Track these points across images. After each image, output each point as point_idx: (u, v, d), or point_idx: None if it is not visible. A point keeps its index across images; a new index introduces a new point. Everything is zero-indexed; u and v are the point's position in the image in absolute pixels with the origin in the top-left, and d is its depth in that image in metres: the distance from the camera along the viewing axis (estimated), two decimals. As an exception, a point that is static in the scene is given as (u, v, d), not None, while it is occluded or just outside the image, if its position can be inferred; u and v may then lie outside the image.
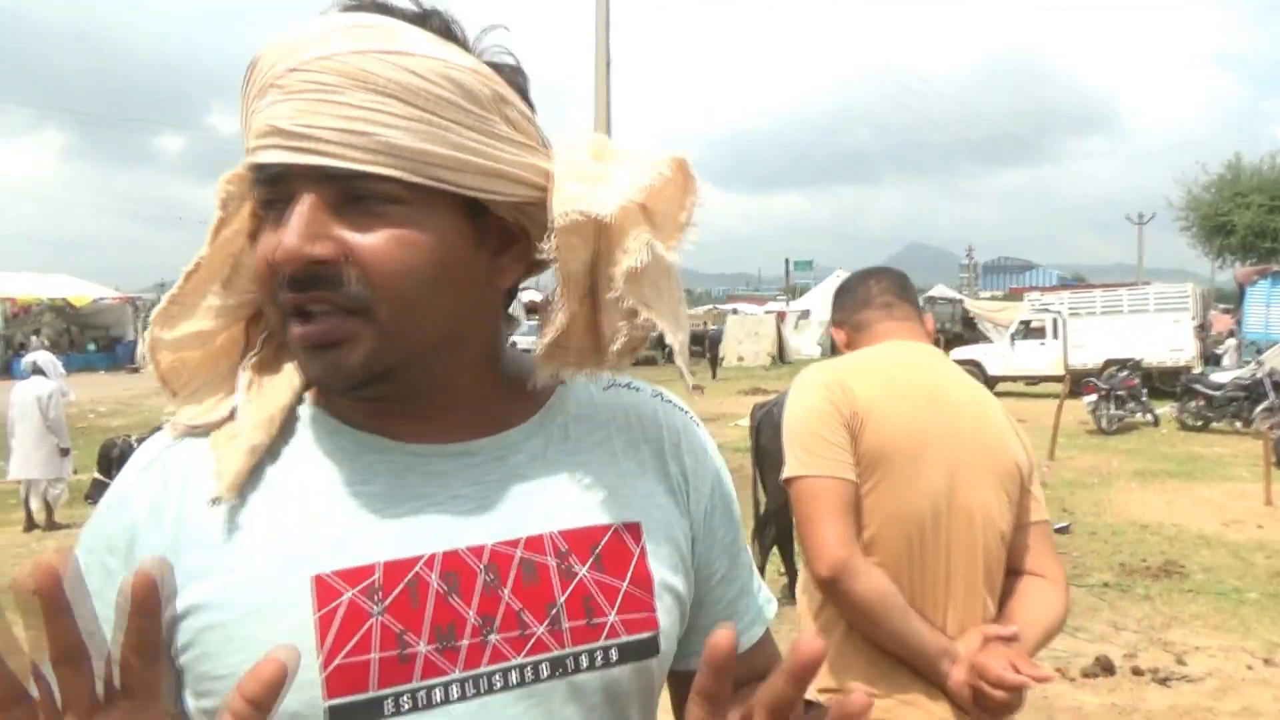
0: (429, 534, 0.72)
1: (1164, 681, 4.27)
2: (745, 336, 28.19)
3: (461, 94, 0.69)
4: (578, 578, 0.74)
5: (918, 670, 1.50)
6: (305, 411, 0.78)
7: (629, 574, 0.76)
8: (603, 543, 0.76)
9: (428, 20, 0.72)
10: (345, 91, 0.66)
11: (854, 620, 1.53)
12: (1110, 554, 6.51)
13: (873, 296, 1.84)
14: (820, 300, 33.14)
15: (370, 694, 0.67)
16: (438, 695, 0.69)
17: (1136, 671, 4.37)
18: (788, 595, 4.54)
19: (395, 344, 0.70)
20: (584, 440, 0.81)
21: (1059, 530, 7.06)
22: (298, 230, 0.67)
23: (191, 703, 0.71)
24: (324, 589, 0.69)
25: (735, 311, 35.35)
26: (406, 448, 0.76)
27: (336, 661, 0.67)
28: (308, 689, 0.66)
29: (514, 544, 0.74)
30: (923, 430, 1.58)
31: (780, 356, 27.52)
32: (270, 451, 0.74)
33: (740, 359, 27.16)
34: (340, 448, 0.75)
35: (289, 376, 0.78)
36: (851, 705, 0.54)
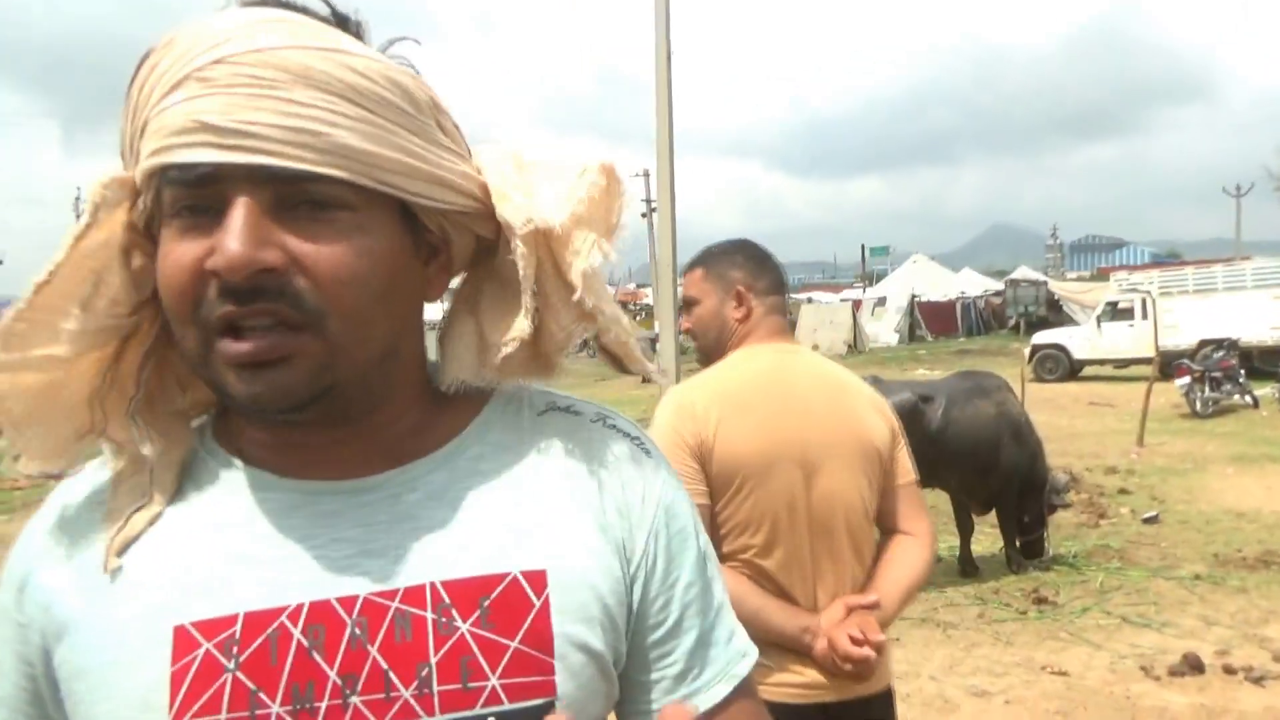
0: (299, 581, 0.66)
1: (1258, 681, 4.02)
2: (820, 325, 27.78)
3: (403, 97, 0.66)
4: (457, 634, 0.66)
5: (787, 647, 1.72)
6: (203, 445, 0.74)
7: (522, 630, 0.67)
8: (494, 594, 0.67)
9: (346, 24, 0.68)
10: (287, 87, 0.62)
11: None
12: (1203, 544, 6.19)
13: (782, 285, 1.94)
14: (898, 286, 32.56)
15: None
16: None
17: (1228, 670, 4.12)
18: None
19: (341, 360, 0.65)
20: (497, 476, 0.73)
21: (1147, 520, 6.76)
22: (242, 235, 0.61)
23: None
24: (182, 640, 0.64)
25: (810, 300, 34.93)
26: (298, 485, 0.70)
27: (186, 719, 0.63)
28: None
29: (391, 594, 0.66)
30: (770, 438, 1.72)
31: (856, 345, 27.06)
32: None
33: (815, 347, 26.80)
34: (229, 486, 0.71)
35: (182, 419, 0.74)
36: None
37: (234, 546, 0.67)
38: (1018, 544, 5.72)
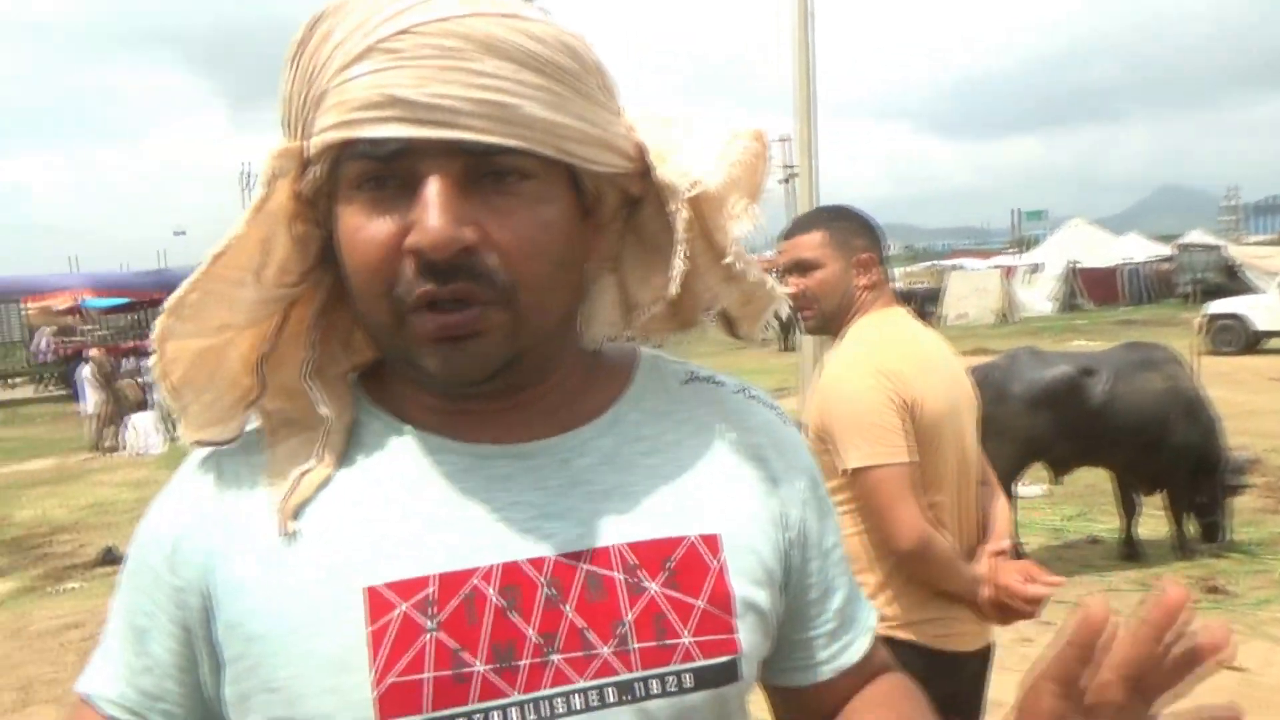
0: (488, 544, 0.67)
1: None
2: (969, 293, 26.62)
3: (574, 61, 0.66)
4: (648, 594, 0.68)
5: (955, 596, 1.84)
6: (363, 409, 0.75)
7: (706, 591, 0.69)
8: (677, 556, 0.69)
9: None
10: (475, 58, 0.61)
11: (930, 574, 1.82)
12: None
13: (883, 249, 1.98)
14: (1055, 252, 30.79)
15: (424, 716, 0.63)
16: (495, 719, 0.64)
17: None
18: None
19: (526, 330, 0.66)
20: (659, 441, 0.75)
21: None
22: (443, 214, 0.61)
23: (236, 716, 0.68)
24: (376, 601, 0.65)
25: (957, 267, 33.52)
26: (467, 448, 0.71)
27: (389, 680, 0.63)
28: (360, 709, 0.63)
29: (578, 556, 0.68)
30: (945, 397, 1.84)
31: (1008, 315, 25.78)
32: None
33: (962, 316, 25.73)
34: (399, 449, 0.72)
35: (344, 381, 0.75)
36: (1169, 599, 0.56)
37: (414, 508, 0.68)
38: (1192, 528, 5.34)
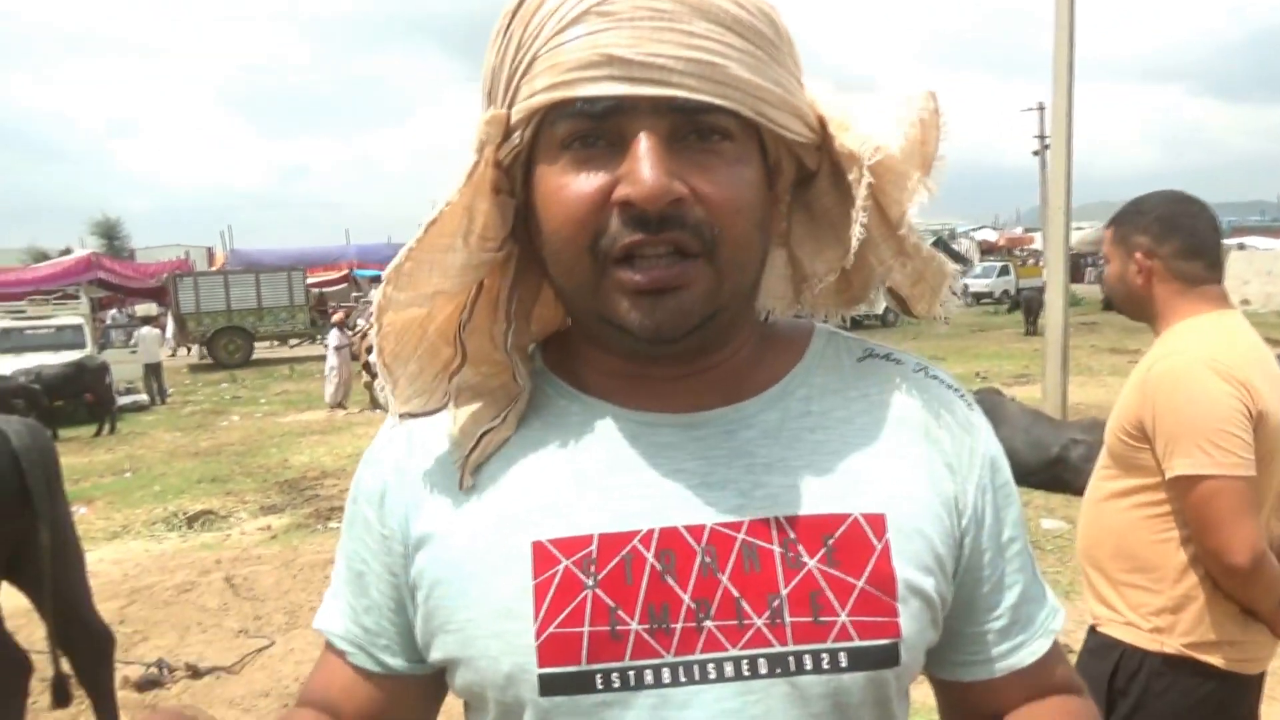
0: (648, 508, 0.69)
1: None
2: (1253, 276, 23.67)
3: (771, 28, 0.67)
4: (805, 569, 0.68)
5: (1257, 617, 1.74)
6: (541, 376, 0.77)
7: (867, 571, 0.68)
8: (838, 533, 0.69)
9: None
10: (686, 19, 0.63)
11: (1252, 594, 1.70)
12: None
13: (1207, 247, 1.82)
14: (1365, 230, 26.59)
15: (581, 667, 0.66)
16: (648, 676, 0.66)
17: None
18: None
19: (726, 287, 0.67)
20: (827, 417, 0.73)
21: None
22: (656, 166, 0.62)
23: (425, 653, 0.74)
24: (541, 555, 0.68)
25: (1242, 246, 29.80)
26: (634, 416, 0.73)
27: (550, 630, 0.66)
28: (522, 654, 0.67)
29: (736, 526, 0.69)
30: (1277, 408, 1.71)
31: (1302, 300, 22.64)
32: None
33: (1245, 302, 22.87)
34: (568, 413, 0.74)
35: (527, 355, 0.78)
36: None
37: (581, 471, 0.71)
38: None
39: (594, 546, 0.68)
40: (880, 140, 0.69)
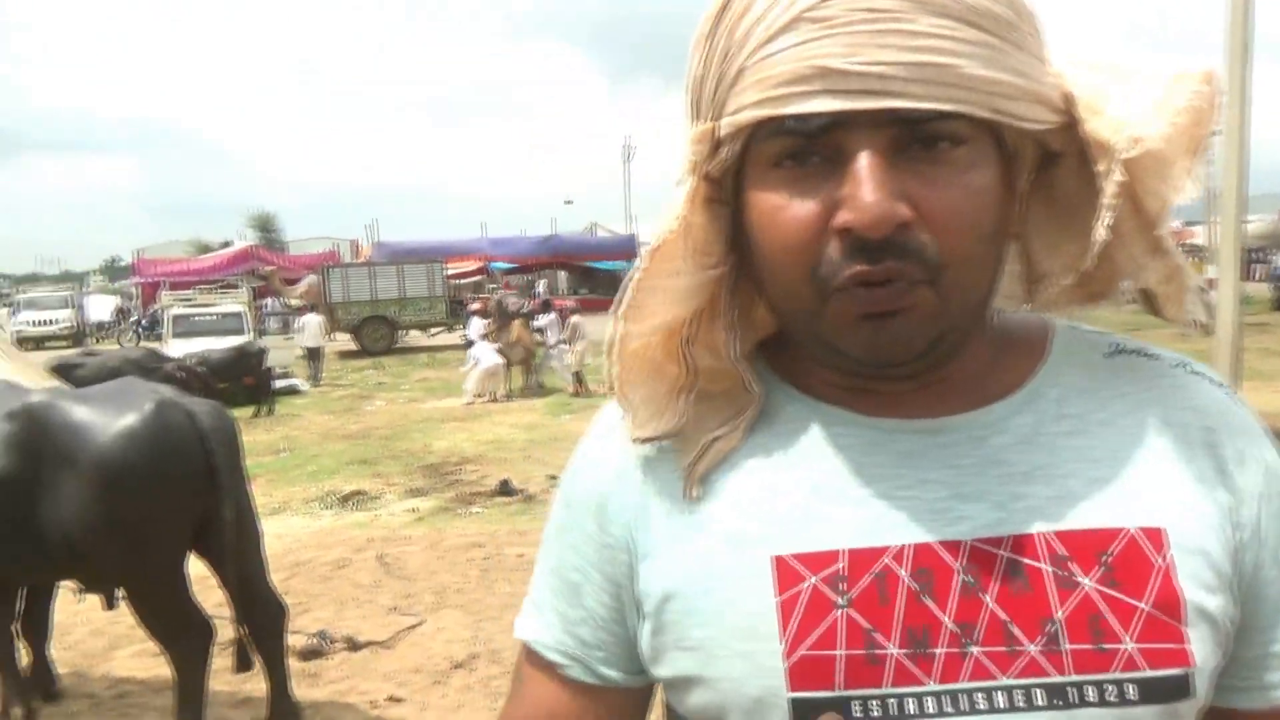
0: (898, 522, 0.64)
1: None
2: None
3: (1011, 9, 0.60)
4: (1081, 590, 0.61)
5: None
6: (767, 382, 0.73)
7: (1150, 592, 0.61)
8: (1115, 550, 0.62)
9: None
10: (910, 17, 0.57)
11: None
12: None
13: None
14: None
15: (836, 693, 0.61)
16: (910, 706, 0.61)
17: None
18: None
19: (951, 310, 0.62)
20: (1085, 420, 0.67)
21: None
22: (878, 189, 0.57)
23: (651, 666, 0.70)
24: (785, 572, 0.64)
25: None
26: (872, 422, 0.68)
27: (800, 652, 0.62)
28: (771, 676, 0.63)
29: (997, 542, 0.63)
30: None
31: None
32: None
33: None
34: (803, 421, 0.70)
35: (751, 361, 0.73)
36: None
37: (819, 481, 0.67)
38: None
39: (843, 563, 0.63)
40: (1139, 129, 0.62)
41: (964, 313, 0.63)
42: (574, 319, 13.55)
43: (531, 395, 13.52)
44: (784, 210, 0.61)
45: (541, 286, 27.73)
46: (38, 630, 3.98)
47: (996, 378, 0.69)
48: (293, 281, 23.85)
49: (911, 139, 0.59)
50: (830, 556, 0.64)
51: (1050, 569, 0.62)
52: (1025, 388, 0.69)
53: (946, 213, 0.59)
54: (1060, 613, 0.61)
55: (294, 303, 22.55)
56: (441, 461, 9.06)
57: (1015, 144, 0.64)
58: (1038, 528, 0.63)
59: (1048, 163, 0.68)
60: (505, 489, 7.60)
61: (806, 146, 0.60)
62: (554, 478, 7.91)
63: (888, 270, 0.59)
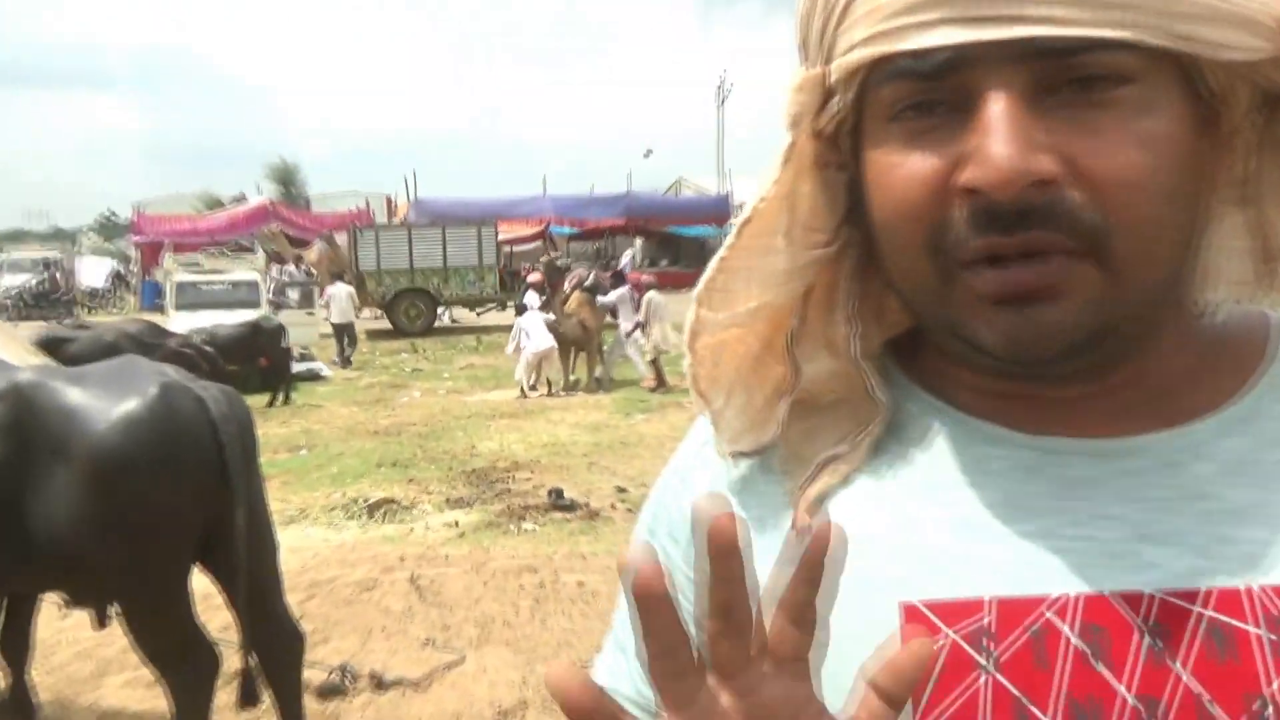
0: (1063, 566, 0.63)
1: None
2: None
3: None
4: None
5: None
6: (897, 387, 0.73)
7: None
8: None
9: None
10: None
11: None
12: None
13: None
14: None
15: None
16: None
17: None
18: None
19: (1123, 292, 0.60)
20: None
21: None
22: (1009, 139, 0.56)
23: None
24: (916, 623, 0.63)
25: None
26: (1033, 441, 0.67)
27: None
28: None
29: (1194, 596, 0.61)
30: None
31: None
32: None
33: None
34: (943, 437, 0.70)
35: (879, 363, 0.73)
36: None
37: (961, 512, 0.66)
38: None
39: (990, 615, 0.62)
40: None
41: (1143, 295, 0.62)
42: (650, 296, 13.59)
43: (598, 389, 13.62)
44: (899, 169, 0.62)
45: (627, 257, 27.67)
46: (16, 649, 4.17)
47: (1200, 388, 0.68)
48: (302, 246, 24.48)
49: (1061, 78, 0.58)
50: (974, 606, 0.63)
51: (1263, 633, 0.60)
52: (1238, 402, 0.67)
53: (1108, 166, 0.58)
54: (1271, 686, 0.59)
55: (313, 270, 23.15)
56: (489, 467, 9.21)
57: (1219, 83, 0.62)
58: (1248, 580, 0.61)
59: (1275, 108, 0.65)
60: (558, 502, 7.70)
61: (928, 91, 0.60)
62: (623, 490, 7.98)
63: (1026, 242, 0.58)
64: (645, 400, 12.60)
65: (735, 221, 0.70)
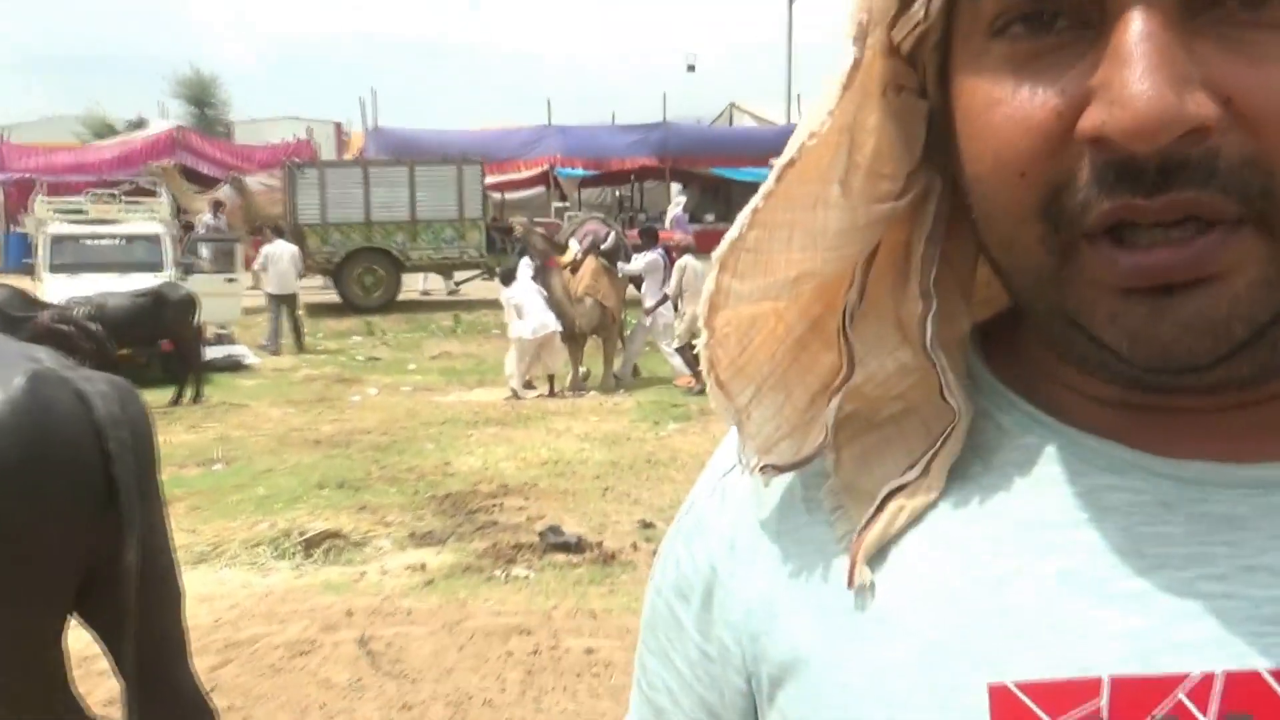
0: (1201, 636, 0.64)
1: None
2: None
3: None
4: None
5: None
6: (985, 391, 0.75)
7: None
8: None
9: None
10: None
11: None
12: None
13: None
14: None
15: None
16: None
17: None
18: None
19: None
20: None
21: None
22: (1154, 70, 0.57)
23: None
24: (1006, 709, 0.65)
25: None
26: (1162, 467, 0.68)
27: None
28: None
29: None
30: None
31: None
32: None
33: None
34: (1043, 461, 0.71)
35: (963, 356, 0.75)
36: None
37: (1071, 563, 0.68)
38: None
39: (1105, 699, 0.64)
40: None
41: None
42: (685, 261, 13.59)
43: (617, 388, 13.63)
44: (1003, 105, 0.63)
45: (676, 208, 27.31)
46: None
47: None
48: (208, 189, 24.54)
49: None
50: (1085, 688, 0.64)
51: None
52: None
53: (1276, 109, 0.58)
54: None
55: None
56: (468, 491, 9.27)
57: None
58: None
59: None
60: (568, 540, 7.73)
61: (1045, 4, 0.61)
62: (649, 525, 8.02)
63: (1173, 204, 0.59)
64: (680, 404, 12.63)
65: (776, 162, 0.70)
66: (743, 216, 0.71)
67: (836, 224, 0.70)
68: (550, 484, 9.40)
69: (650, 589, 0.84)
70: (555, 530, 7.87)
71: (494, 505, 8.85)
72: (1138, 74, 0.57)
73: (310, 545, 7.85)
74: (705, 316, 0.74)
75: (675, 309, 13.59)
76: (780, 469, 0.76)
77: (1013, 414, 0.74)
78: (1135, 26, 0.58)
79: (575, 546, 7.66)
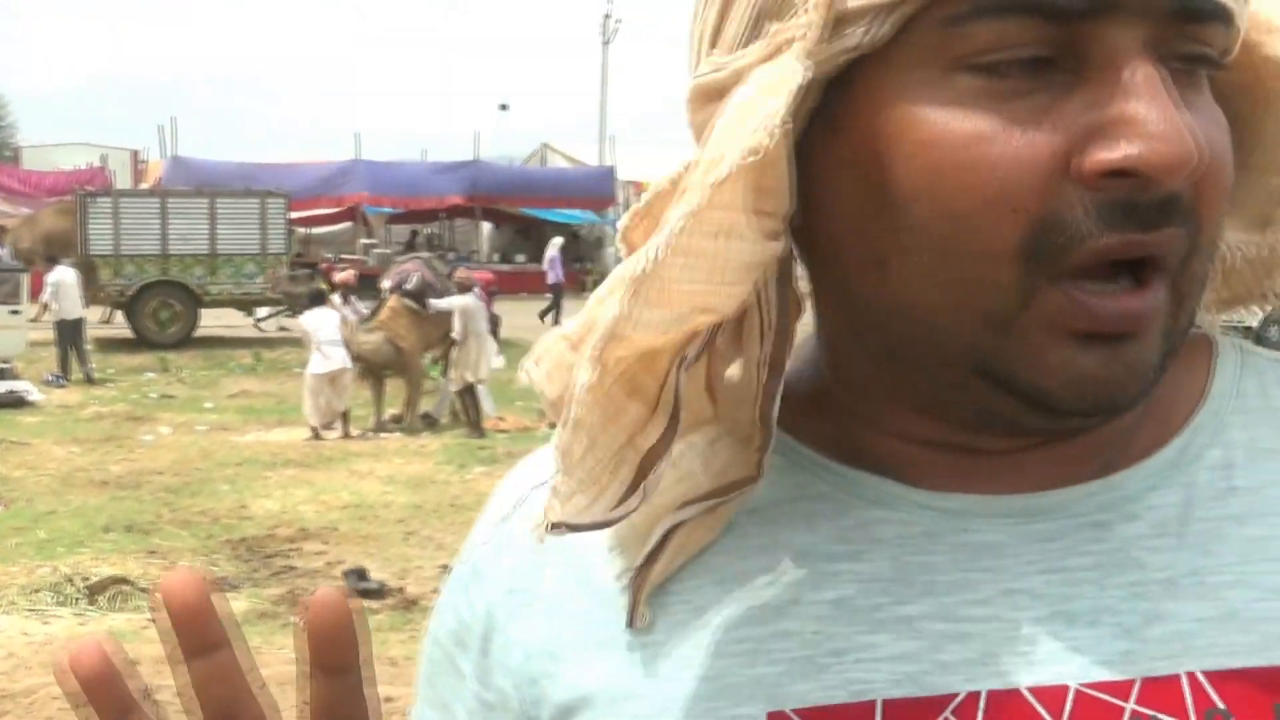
0: (966, 657, 0.67)
1: None
2: None
3: None
4: None
5: None
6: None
7: None
8: None
9: None
10: None
11: None
12: None
13: None
14: None
15: None
16: None
17: None
18: None
19: (1181, 318, 0.66)
20: (1262, 496, 0.70)
21: None
22: (1175, 110, 0.60)
23: None
24: None
25: None
26: (931, 500, 0.71)
27: None
28: None
29: (1121, 689, 0.66)
30: None
31: None
32: None
33: None
34: (815, 494, 0.74)
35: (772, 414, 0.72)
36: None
37: (842, 593, 0.70)
38: None
39: None
40: None
41: (1190, 322, 0.68)
42: (464, 302, 13.66)
43: (424, 428, 13.53)
44: (989, 144, 0.61)
45: (554, 250, 26.66)
46: None
47: (1135, 427, 0.72)
48: None
49: (1174, 50, 0.62)
50: (860, 711, 0.67)
51: None
52: (1171, 446, 0.72)
53: (1218, 165, 0.63)
54: None
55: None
56: (264, 535, 9.09)
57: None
58: (1183, 666, 0.66)
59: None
60: (369, 585, 7.63)
61: (1047, 42, 0.61)
62: (450, 570, 7.91)
63: (1168, 239, 0.62)
64: (486, 446, 12.58)
65: (706, 179, 0.62)
66: (661, 239, 0.62)
67: (739, 256, 0.65)
68: (351, 528, 9.27)
69: (428, 640, 0.84)
70: (360, 574, 7.76)
71: (292, 550, 8.69)
72: (1165, 112, 0.59)
73: (95, 591, 7.61)
74: (601, 348, 0.63)
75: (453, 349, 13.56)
76: (577, 528, 0.68)
77: (794, 455, 0.76)
78: (1146, 69, 0.60)
79: (379, 591, 7.57)
